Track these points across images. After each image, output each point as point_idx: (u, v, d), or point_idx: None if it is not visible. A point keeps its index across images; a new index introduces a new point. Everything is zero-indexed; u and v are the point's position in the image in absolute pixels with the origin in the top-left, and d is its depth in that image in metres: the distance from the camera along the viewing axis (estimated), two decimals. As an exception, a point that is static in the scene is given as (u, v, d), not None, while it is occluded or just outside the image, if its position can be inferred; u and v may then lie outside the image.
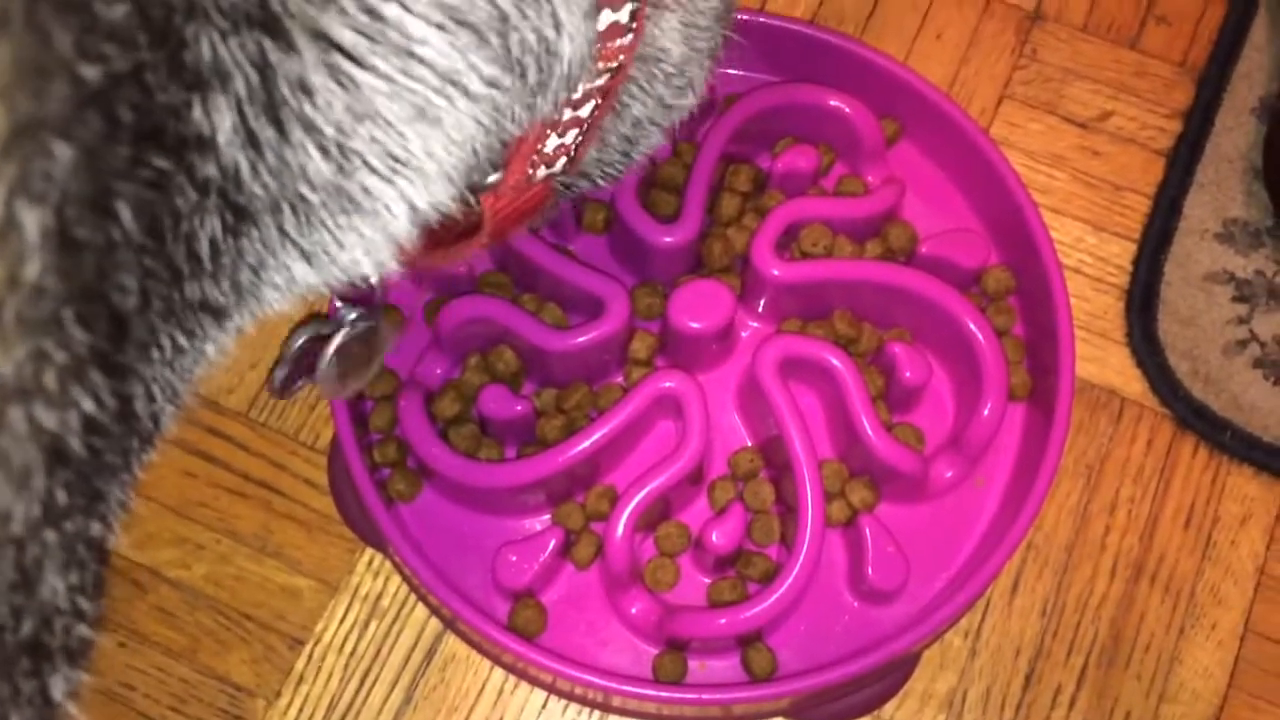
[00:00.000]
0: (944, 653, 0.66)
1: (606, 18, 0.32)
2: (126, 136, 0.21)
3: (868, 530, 0.62)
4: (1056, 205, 0.76)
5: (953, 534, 0.65)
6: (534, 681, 0.64)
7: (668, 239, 0.65)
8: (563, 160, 0.37)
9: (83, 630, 0.24)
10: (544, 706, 0.64)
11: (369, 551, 0.66)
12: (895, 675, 0.64)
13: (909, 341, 0.66)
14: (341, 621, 0.65)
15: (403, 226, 0.28)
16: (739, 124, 0.68)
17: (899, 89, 0.70)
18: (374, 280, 0.31)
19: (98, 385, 0.22)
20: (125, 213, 0.22)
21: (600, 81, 0.35)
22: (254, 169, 0.24)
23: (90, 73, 0.20)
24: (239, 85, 0.23)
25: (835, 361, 0.63)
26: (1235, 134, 0.77)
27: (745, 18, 0.70)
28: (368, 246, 0.28)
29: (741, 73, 0.74)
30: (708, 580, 0.64)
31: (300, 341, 0.43)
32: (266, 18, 0.23)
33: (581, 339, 0.63)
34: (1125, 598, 0.67)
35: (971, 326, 0.64)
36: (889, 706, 0.64)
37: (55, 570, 0.22)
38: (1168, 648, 0.66)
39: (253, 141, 0.24)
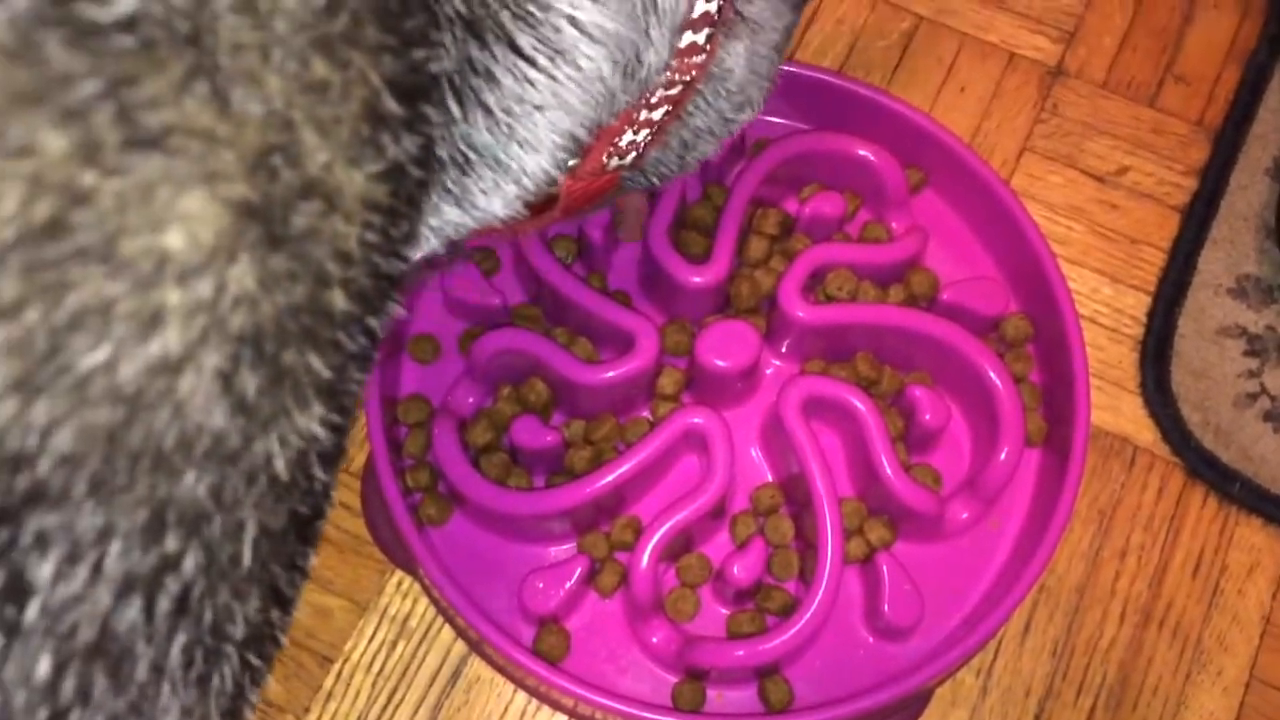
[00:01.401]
0: (956, 690, 0.67)
1: (688, 38, 0.38)
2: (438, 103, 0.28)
3: (885, 568, 0.63)
4: (1074, 256, 0.78)
5: (967, 574, 0.66)
6: (556, 705, 0.66)
7: (697, 279, 0.67)
8: (632, 155, 0.43)
9: (325, 525, 0.28)
10: (564, 730, 0.66)
11: (398, 573, 0.68)
12: (908, 711, 0.65)
13: (929, 385, 0.68)
14: (370, 641, 0.67)
15: (531, 184, 0.35)
16: (768, 169, 0.70)
17: (923, 139, 0.72)
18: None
19: (394, 303, 0.28)
20: (434, 163, 0.28)
21: (674, 91, 0.40)
22: (442, 137, 0.30)
23: (450, 52, 0.27)
24: (445, 70, 0.29)
25: (857, 403, 0.65)
26: (1249, 192, 0.79)
27: (777, 67, 0.73)
28: (504, 197, 0.34)
29: (771, 119, 0.76)
30: (727, 612, 0.65)
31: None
32: (474, 22, 0.29)
33: (612, 373, 0.65)
34: (1134, 642, 0.68)
35: (990, 373, 0.66)
36: (901, 741, 0.66)
37: (340, 456, 0.27)
38: (1174, 692, 0.67)
39: (446, 113, 0.30)
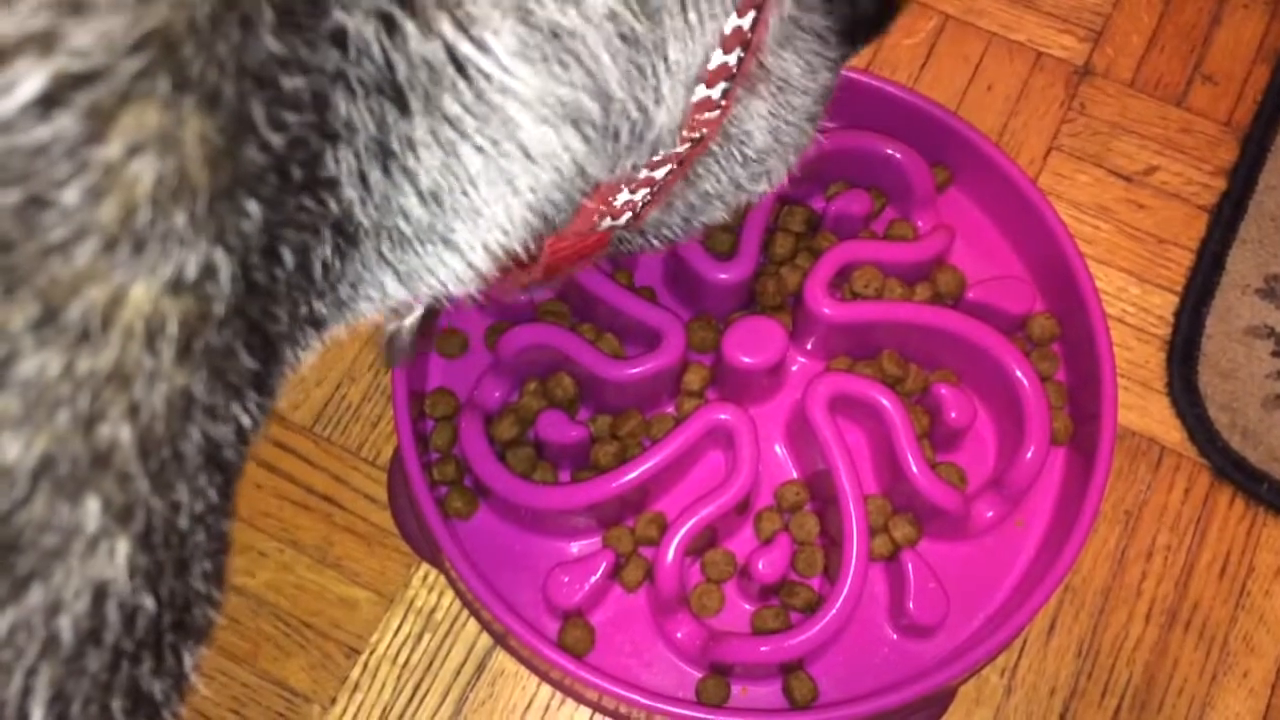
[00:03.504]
0: (980, 688, 0.67)
1: (700, 92, 0.34)
2: (293, 189, 0.24)
3: (910, 565, 0.63)
4: (1101, 256, 0.77)
5: (992, 573, 0.66)
6: (580, 699, 0.66)
7: (723, 275, 0.67)
8: (627, 215, 0.39)
9: (211, 613, 0.27)
10: (588, 724, 0.66)
11: (425, 566, 0.69)
12: (932, 709, 0.65)
13: (955, 383, 0.68)
14: (396, 633, 0.67)
15: (480, 261, 0.32)
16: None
17: (950, 138, 0.72)
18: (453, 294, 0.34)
19: (252, 402, 0.25)
20: (287, 255, 0.25)
21: (681, 149, 0.36)
22: (363, 203, 0.27)
23: (276, 139, 0.23)
24: (361, 138, 0.26)
25: (883, 400, 0.65)
26: (1278, 193, 0.78)
27: (804, 65, 0.73)
28: (450, 272, 0.31)
29: (798, 117, 0.76)
30: (751, 608, 0.66)
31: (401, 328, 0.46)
32: (394, 89, 0.26)
33: (638, 369, 0.65)
34: (1159, 643, 0.68)
35: (1016, 371, 0.65)
36: (924, 739, 0.66)
37: (200, 559, 0.25)
38: (1200, 694, 0.67)
39: (364, 182, 0.27)
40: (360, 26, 0.23)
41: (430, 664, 0.67)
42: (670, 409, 0.69)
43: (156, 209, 0.20)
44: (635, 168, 0.35)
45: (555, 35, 0.27)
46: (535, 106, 0.28)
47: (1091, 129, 0.81)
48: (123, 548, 0.22)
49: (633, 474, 0.63)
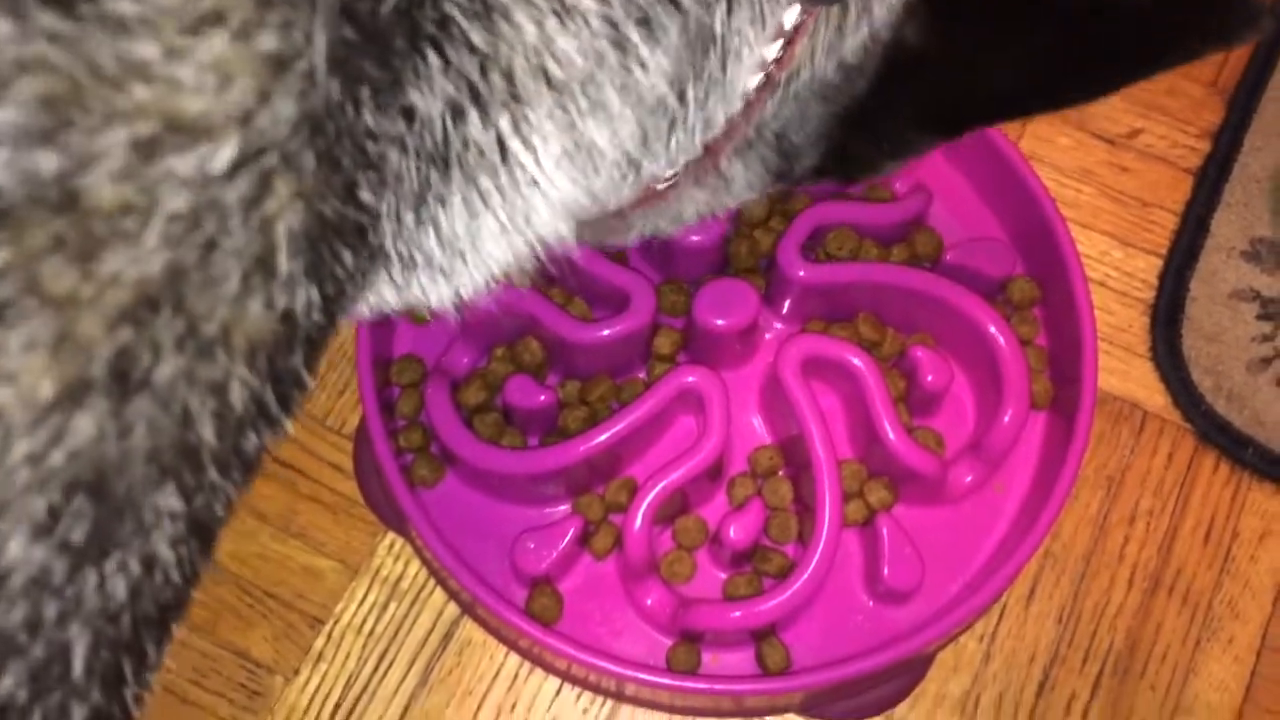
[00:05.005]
0: (958, 655, 0.66)
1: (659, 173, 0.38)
2: (372, 237, 0.29)
3: (885, 530, 0.62)
4: (1084, 219, 0.76)
5: (970, 538, 0.65)
6: (548, 668, 0.65)
7: (695, 238, 0.66)
8: None
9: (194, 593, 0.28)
10: (557, 693, 0.65)
11: (390, 535, 0.67)
12: (908, 675, 0.64)
13: (932, 346, 0.67)
14: (361, 603, 0.66)
15: (469, 290, 0.35)
16: (769, 128, 0.69)
17: (929, 99, 0.71)
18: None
19: (297, 406, 0.27)
20: (352, 290, 0.29)
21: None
22: (393, 238, 0.31)
23: (369, 199, 0.27)
24: (405, 187, 0.30)
25: (858, 362, 0.63)
26: (1264, 155, 0.77)
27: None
28: (438, 295, 0.35)
29: (773, 79, 0.75)
30: (724, 575, 0.64)
31: None
32: (443, 158, 0.30)
33: (607, 332, 0.63)
34: (1142, 609, 0.67)
35: (994, 333, 0.64)
36: (902, 707, 0.64)
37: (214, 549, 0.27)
38: (1183, 660, 0.66)
39: (399, 222, 0.30)
40: (430, 107, 0.28)
41: (396, 633, 0.65)
42: (641, 374, 0.68)
43: (289, 255, 0.24)
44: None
45: (589, 152, 0.32)
46: (556, 206, 0.33)
47: (1074, 92, 0.80)
48: (179, 528, 0.24)
49: (601, 438, 0.61)
